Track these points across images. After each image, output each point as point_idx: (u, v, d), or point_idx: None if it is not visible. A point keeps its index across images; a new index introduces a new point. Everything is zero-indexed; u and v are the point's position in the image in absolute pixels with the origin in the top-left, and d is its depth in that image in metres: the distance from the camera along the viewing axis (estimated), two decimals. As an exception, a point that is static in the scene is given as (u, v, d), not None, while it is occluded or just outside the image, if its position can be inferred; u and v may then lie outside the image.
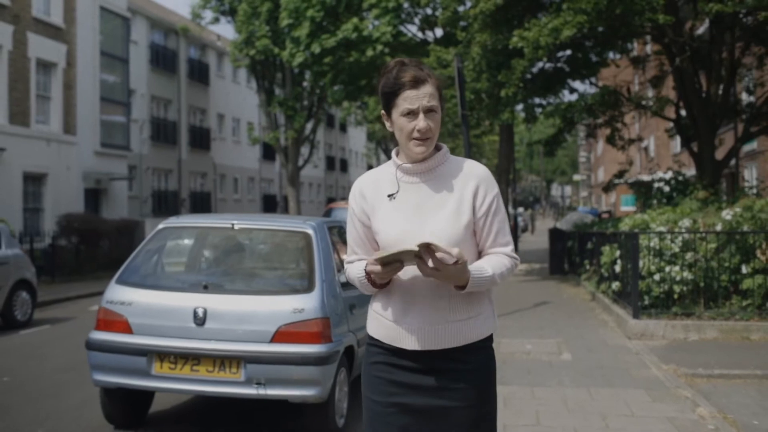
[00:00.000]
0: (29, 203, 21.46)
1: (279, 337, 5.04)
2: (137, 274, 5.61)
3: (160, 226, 5.95)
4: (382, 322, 2.59)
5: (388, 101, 2.53)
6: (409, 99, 2.47)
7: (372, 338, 2.64)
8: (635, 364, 7.64)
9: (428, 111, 2.49)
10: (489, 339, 2.62)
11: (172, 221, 6.04)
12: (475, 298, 2.54)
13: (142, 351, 5.16)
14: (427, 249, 2.34)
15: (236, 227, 5.74)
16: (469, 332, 2.53)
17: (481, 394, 2.55)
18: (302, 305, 5.08)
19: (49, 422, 5.89)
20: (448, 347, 2.51)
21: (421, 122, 2.47)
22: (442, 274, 2.37)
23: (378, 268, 2.40)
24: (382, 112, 2.58)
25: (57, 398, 6.71)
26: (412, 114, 2.48)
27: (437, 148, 2.61)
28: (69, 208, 21.75)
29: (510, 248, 2.60)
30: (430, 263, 2.34)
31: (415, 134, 2.48)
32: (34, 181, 21.66)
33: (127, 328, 5.27)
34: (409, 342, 2.51)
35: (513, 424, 5.49)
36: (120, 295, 5.40)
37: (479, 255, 2.60)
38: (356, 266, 2.59)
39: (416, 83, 2.48)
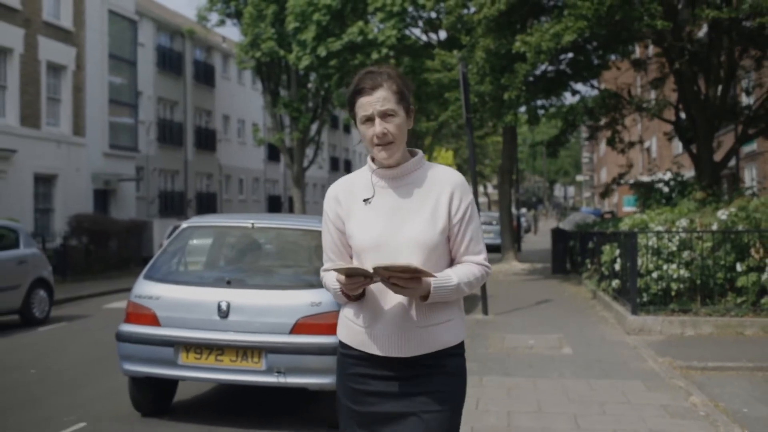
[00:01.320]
0: (40, 204, 21.85)
1: (298, 328, 5.39)
2: (163, 270, 5.98)
3: (184, 225, 6.33)
4: (353, 328, 2.57)
5: (350, 111, 2.56)
6: (363, 106, 2.49)
7: (344, 345, 2.62)
8: (633, 358, 7.98)
9: (384, 115, 2.47)
10: (460, 346, 2.61)
11: (195, 221, 6.44)
12: (446, 305, 2.53)
13: (169, 342, 5.52)
14: (382, 270, 2.36)
15: (255, 226, 6.12)
16: (440, 338, 2.52)
17: (453, 400, 2.55)
18: (319, 299, 5.42)
19: (80, 410, 6.24)
20: (418, 354, 2.50)
21: (377, 127, 2.47)
22: (408, 291, 2.40)
23: (342, 278, 2.42)
24: (352, 121, 2.60)
25: (84, 389, 7.06)
26: (368, 121, 2.49)
27: (413, 154, 2.60)
28: (78, 209, 22.15)
29: (482, 257, 2.59)
30: (392, 280, 2.38)
31: (375, 140, 2.49)
32: (44, 182, 22.04)
33: (155, 321, 5.63)
34: (379, 348, 2.50)
35: (516, 411, 5.84)
36: (148, 289, 5.76)
37: (452, 262, 2.60)
38: (331, 276, 2.57)
39: (371, 89, 2.48)
